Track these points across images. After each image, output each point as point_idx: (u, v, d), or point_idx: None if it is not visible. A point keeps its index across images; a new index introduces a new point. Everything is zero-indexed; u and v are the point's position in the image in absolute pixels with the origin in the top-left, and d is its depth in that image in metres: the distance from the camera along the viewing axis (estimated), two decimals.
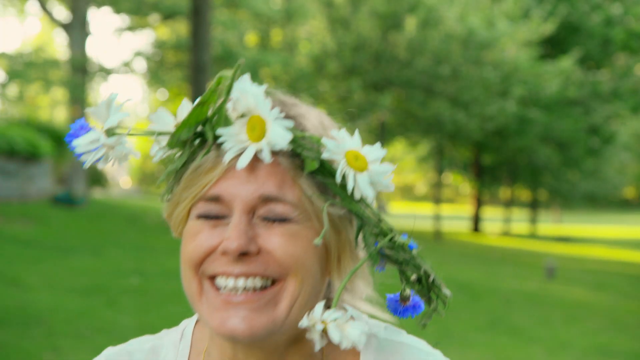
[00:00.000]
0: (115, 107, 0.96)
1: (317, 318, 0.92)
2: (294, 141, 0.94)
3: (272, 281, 0.97)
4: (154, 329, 1.31)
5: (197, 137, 0.98)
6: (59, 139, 19.02)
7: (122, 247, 11.99)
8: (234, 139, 0.94)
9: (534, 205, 37.38)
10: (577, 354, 7.48)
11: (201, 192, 0.97)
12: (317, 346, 0.93)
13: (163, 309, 7.40)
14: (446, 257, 16.39)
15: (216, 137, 0.95)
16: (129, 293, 8.19)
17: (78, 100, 20.58)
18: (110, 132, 0.96)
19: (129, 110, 0.98)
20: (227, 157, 0.94)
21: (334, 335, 0.91)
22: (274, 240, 0.96)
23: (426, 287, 1.00)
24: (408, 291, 1.03)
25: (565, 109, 25.86)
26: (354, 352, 1.08)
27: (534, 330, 8.63)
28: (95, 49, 79.42)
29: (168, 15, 22.27)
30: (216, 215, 0.97)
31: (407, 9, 21.90)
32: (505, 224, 34.97)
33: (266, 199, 0.95)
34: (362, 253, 1.01)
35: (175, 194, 1.01)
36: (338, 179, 0.94)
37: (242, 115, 0.94)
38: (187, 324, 1.15)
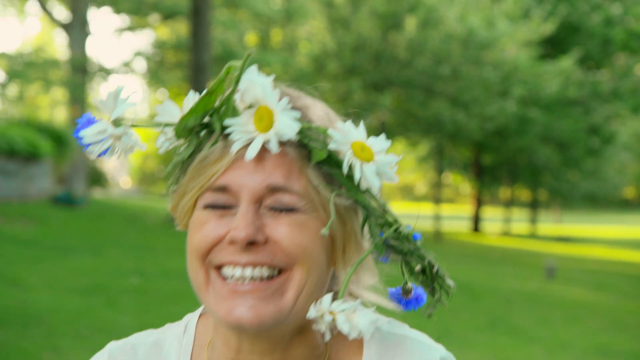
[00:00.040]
0: (122, 98, 0.97)
1: (325, 309, 0.93)
2: (301, 132, 0.95)
3: (279, 271, 0.98)
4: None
5: (204, 128, 0.98)
6: (59, 139, 19.02)
7: (122, 247, 11.99)
8: (242, 129, 0.95)
9: (534, 205, 37.37)
10: (577, 354, 7.48)
11: (208, 183, 0.98)
12: (327, 336, 0.95)
13: (163, 309, 7.40)
14: (446, 257, 16.35)
15: (223, 128, 0.96)
16: (129, 293, 8.18)
17: (78, 100, 20.59)
18: (117, 123, 0.97)
19: (133, 103, 0.99)
20: (235, 148, 0.95)
21: (343, 326, 0.92)
22: (281, 230, 0.96)
23: (430, 277, 1.02)
24: (410, 284, 1.05)
25: (565, 109, 25.85)
26: (357, 344, 1.09)
27: (534, 330, 8.63)
28: (95, 49, 79.47)
29: (168, 15, 22.27)
30: (223, 205, 0.98)
31: (407, 9, 21.90)
32: (505, 224, 34.96)
33: (273, 189, 0.96)
34: (366, 244, 1.02)
35: (182, 184, 1.01)
36: (345, 169, 0.95)
37: (250, 106, 0.95)
38: (191, 318, 1.16)
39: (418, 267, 1.01)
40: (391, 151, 0.99)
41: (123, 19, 24.71)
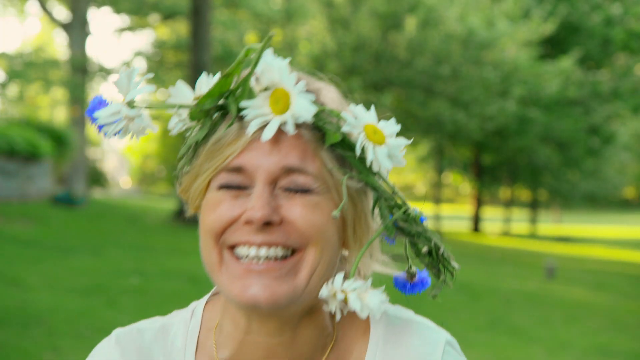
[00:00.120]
0: (137, 80, 0.98)
1: (337, 288, 0.95)
2: (316, 114, 0.97)
3: (292, 251, 0.99)
4: None
5: (218, 110, 1.00)
6: (59, 139, 19.01)
7: (122, 247, 11.98)
8: (258, 111, 0.96)
9: (534, 205, 37.38)
10: (577, 354, 7.47)
11: (224, 164, 0.99)
12: (338, 316, 0.97)
13: (163, 309, 7.37)
14: None
15: (239, 110, 0.97)
16: (129, 293, 8.18)
17: (78, 100, 20.59)
18: (131, 104, 0.98)
19: (150, 86, 1.01)
20: (251, 129, 0.96)
21: (355, 304, 0.94)
22: (296, 210, 0.98)
23: (436, 259, 1.04)
24: (414, 268, 1.06)
25: (565, 109, 25.85)
26: (364, 326, 1.10)
27: (534, 330, 8.62)
28: (95, 49, 79.50)
29: (168, 15, 22.28)
30: (238, 185, 0.99)
31: (407, 9, 21.90)
32: (505, 224, 34.97)
33: (289, 170, 0.97)
34: (374, 225, 1.04)
35: (195, 166, 1.02)
36: (358, 151, 0.97)
37: (266, 89, 0.96)
38: (197, 305, 1.17)
39: (425, 249, 1.04)
40: None
41: (123, 19, 24.73)
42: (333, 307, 0.96)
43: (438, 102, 22.70)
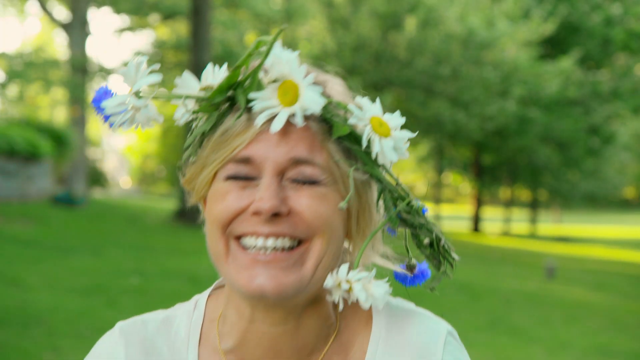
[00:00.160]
0: (144, 70, 0.98)
1: (342, 278, 0.96)
2: (324, 107, 0.97)
3: (299, 241, 1.00)
4: None
5: (226, 101, 1.00)
6: (59, 139, 19.01)
7: (122, 247, 11.98)
8: (266, 103, 0.97)
9: (534, 205, 37.38)
10: (577, 354, 7.47)
11: (232, 154, 0.99)
12: (341, 306, 0.98)
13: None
14: None
15: (247, 101, 0.98)
16: (129, 293, 8.18)
17: (78, 100, 20.59)
18: (138, 94, 0.98)
19: (157, 77, 1.01)
20: (260, 121, 0.97)
21: (360, 294, 0.95)
22: (304, 201, 0.99)
23: (437, 250, 1.05)
24: (414, 260, 1.08)
25: (565, 109, 25.85)
26: (366, 317, 1.11)
27: (534, 330, 8.62)
28: (95, 49, 79.50)
29: (168, 15, 22.28)
30: (245, 176, 1.00)
31: (407, 9, 21.90)
32: (505, 224, 34.97)
33: (297, 162, 0.98)
34: (378, 217, 1.05)
35: (201, 157, 1.03)
36: (364, 143, 0.97)
37: (274, 81, 0.97)
38: (200, 297, 1.18)
39: (426, 241, 1.05)
40: None
41: (123, 19, 24.72)
42: (337, 297, 0.97)
43: (438, 102, 22.71)
